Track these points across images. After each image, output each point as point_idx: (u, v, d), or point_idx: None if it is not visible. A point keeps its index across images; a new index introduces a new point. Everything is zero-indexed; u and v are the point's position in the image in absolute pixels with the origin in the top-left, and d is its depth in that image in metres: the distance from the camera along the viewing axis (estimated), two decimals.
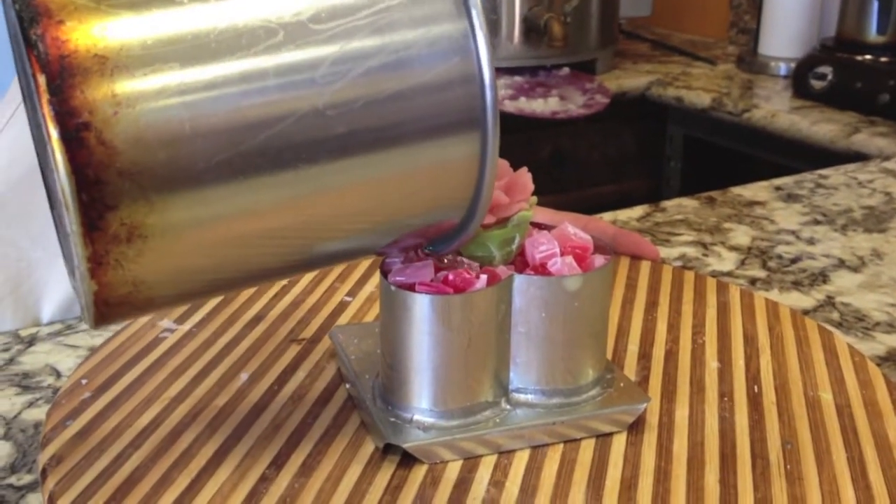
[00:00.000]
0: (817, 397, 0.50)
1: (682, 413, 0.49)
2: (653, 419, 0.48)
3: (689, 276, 0.64)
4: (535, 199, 0.48)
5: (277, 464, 0.44)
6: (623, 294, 0.62)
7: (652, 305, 0.60)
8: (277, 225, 0.37)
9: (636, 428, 0.47)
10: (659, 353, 0.55)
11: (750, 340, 0.56)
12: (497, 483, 0.43)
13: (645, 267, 0.65)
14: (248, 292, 0.61)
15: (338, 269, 0.65)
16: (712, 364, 0.53)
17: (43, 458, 0.45)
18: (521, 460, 0.45)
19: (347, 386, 0.50)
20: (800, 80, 1.53)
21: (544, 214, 0.69)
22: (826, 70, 1.49)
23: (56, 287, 0.70)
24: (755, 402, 0.50)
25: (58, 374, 0.59)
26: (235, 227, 0.36)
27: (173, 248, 0.35)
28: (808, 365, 0.54)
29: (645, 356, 0.54)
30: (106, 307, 0.35)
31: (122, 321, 0.39)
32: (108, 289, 0.35)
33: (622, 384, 0.49)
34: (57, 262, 0.70)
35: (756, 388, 0.51)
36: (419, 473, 0.44)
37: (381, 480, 0.43)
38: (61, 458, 0.44)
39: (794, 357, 0.54)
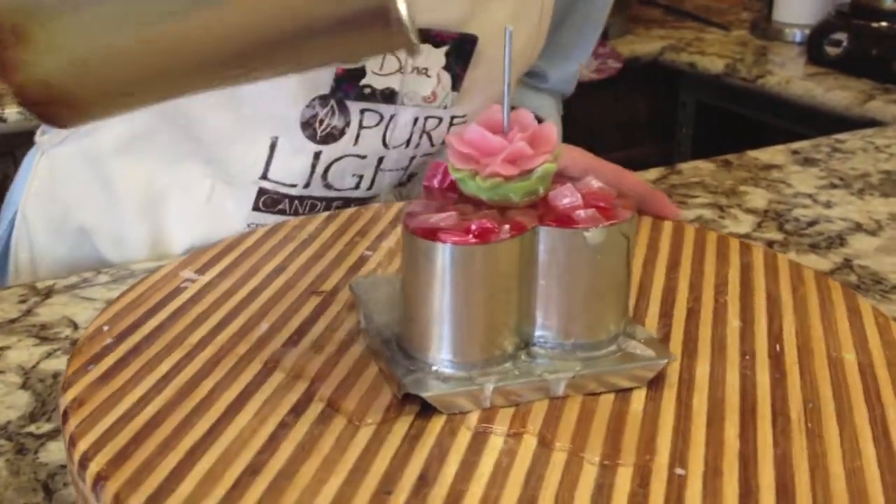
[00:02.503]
0: (840, 357, 0.50)
1: (702, 370, 0.49)
2: (673, 376, 0.48)
3: (712, 237, 0.63)
4: (559, 150, 0.47)
5: (296, 411, 0.44)
6: (644, 254, 0.61)
7: (674, 265, 0.60)
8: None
9: (656, 384, 0.47)
10: (680, 312, 0.54)
11: (773, 300, 0.55)
12: (515, 434, 0.43)
13: (667, 227, 0.65)
14: (269, 245, 0.61)
15: (358, 224, 0.65)
16: (734, 323, 0.53)
17: (64, 401, 0.45)
18: (539, 412, 0.45)
19: (367, 337, 0.50)
20: (814, 47, 1.51)
21: (584, 158, 0.68)
22: (841, 37, 1.47)
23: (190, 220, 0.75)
24: (777, 360, 0.49)
25: (75, 326, 0.60)
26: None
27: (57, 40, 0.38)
28: (831, 325, 0.53)
29: (666, 315, 0.54)
30: (36, 106, 0.40)
31: (75, 122, 0.43)
32: (24, 89, 0.39)
33: (643, 340, 0.49)
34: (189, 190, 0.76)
35: (778, 347, 0.51)
36: (437, 424, 0.44)
37: (400, 429, 0.43)
38: (83, 401, 0.45)
39: (818, 318, 0.54)
